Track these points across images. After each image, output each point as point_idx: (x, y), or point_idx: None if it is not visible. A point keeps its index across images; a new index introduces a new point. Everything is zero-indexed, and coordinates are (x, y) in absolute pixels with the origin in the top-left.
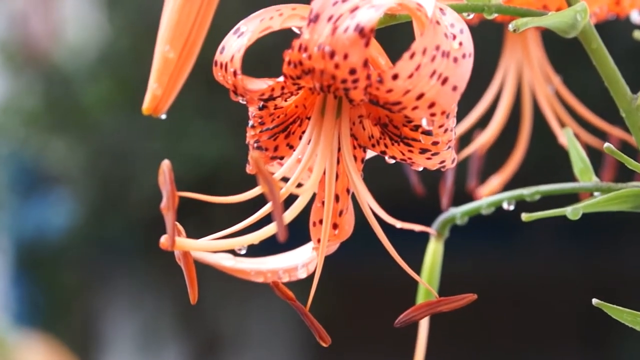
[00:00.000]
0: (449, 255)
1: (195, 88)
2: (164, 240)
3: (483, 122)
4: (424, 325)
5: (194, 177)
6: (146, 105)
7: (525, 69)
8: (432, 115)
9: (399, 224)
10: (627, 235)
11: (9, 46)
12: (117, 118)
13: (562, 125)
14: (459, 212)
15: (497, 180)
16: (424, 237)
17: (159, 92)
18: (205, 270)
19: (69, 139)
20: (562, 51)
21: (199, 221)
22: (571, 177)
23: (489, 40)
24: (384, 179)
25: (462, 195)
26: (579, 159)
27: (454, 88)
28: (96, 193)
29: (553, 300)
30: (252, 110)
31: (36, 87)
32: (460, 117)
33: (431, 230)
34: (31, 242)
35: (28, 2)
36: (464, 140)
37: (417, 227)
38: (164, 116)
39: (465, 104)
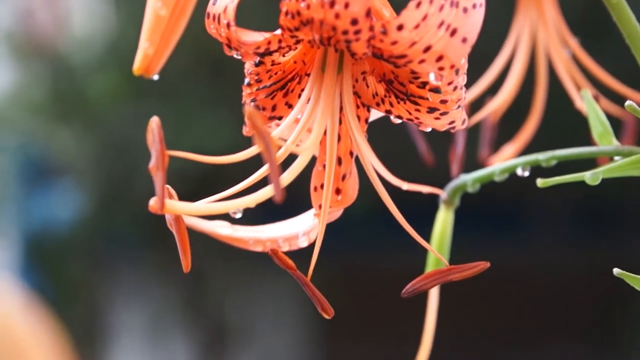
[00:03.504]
0: (454, 248)
1: (201, 78)
2: (152, 202)
3: (495, 88)
4: (434, 297)
5: (200, 168)
6: (137, 65)
7: (540, 31)
8: (441, 69)
9: (405, 186)
10: (635, 224)
11: (16, 37)
12: (124, 109)
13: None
14: (470, 179)
15: (510, 149)
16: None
17: (150, 52)
18: (211, 259)
19: (75, 130)
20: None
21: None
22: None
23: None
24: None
25: (473, 167)
26: (598, 122)
27: (464, 40)
28: (103, 184)
29: (560, 291)
30: (249, 67)
31: (43, 79)
32: (470, 82)
33: (441, 192)
34: (39, 234)
35: None
36: (475, 107)
37: (425, 189)
38: (156, 77)
39: (476, 69)
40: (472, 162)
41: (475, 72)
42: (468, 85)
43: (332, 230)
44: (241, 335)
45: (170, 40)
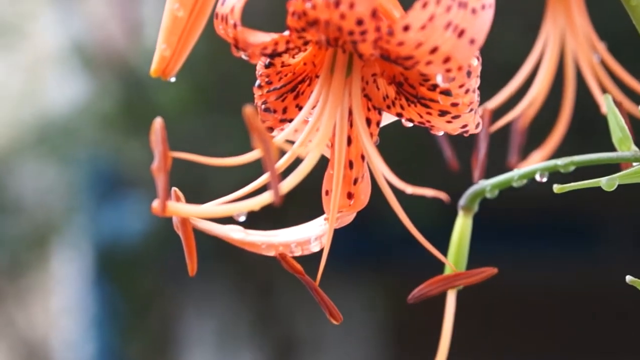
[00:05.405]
0: (525, 265)
1: None
2: (155, 204)
3: (522, 93)
4: (450, 305)
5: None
6: (154, 67)
7: (568, 36)
8: (448, 71)
9: (409, 189)
10: None
11: (87, 49)
12: (193, 121)
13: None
14: (489, 185)
15: (538, 155)
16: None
17: (167, 54)
18: (281, 271)
19: (145, 142)
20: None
21: None
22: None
23: (527, 7)
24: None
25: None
26: (618, 127)
27: (472, 41)
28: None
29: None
30: (259, 69)
31: (113, 90)
32: (496, 89)
33: (443, 195)
34: (110, 246)
35: (107, 5)
36: (503, 113)
37: (429, 192)
38: (173, 79)
39: (502, 77)
40: (501, 168)
41: (501, 79)
42: (494, 92)
43: (404, 241)
44: (310, 349)
45: (188, 42)
